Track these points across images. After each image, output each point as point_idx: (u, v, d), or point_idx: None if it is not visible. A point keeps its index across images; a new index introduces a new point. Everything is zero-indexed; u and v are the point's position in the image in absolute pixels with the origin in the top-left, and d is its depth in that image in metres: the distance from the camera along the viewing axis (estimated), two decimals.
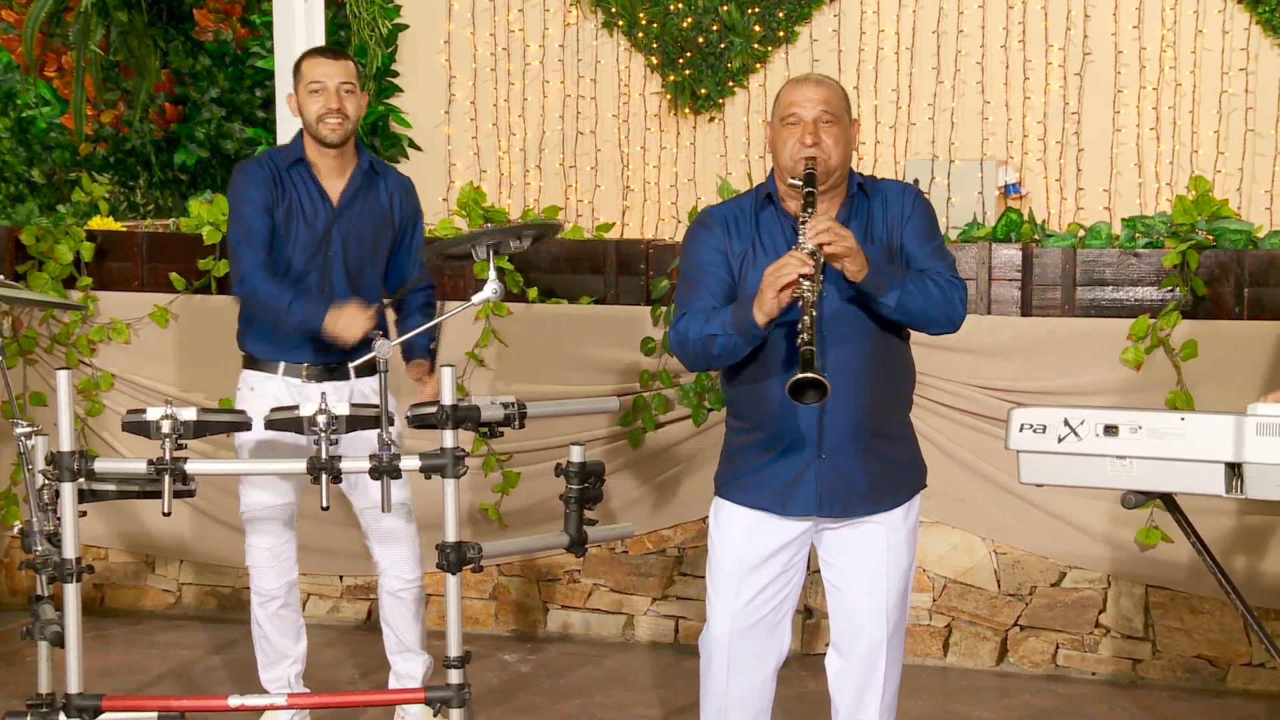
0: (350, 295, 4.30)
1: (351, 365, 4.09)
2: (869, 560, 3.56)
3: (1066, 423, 3.20)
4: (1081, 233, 5.21)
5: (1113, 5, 7.74)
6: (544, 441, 5.29)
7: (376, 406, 3.62)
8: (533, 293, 5.47)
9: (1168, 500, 3.30)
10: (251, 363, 4.42)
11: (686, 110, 8.32)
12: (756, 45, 8.17)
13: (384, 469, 3.49)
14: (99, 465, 3.44)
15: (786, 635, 3.63)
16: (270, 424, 3.64)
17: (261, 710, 4.06)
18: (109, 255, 5.85)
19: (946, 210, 7.72)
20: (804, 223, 3.30)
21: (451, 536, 3.47)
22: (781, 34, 8.16)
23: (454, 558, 3.46)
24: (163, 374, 5.70)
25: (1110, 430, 3.15)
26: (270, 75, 7.27)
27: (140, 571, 5.92)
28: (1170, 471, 3.12)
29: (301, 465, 3.52)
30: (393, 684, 4.61)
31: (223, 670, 5.22)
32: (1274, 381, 4.69)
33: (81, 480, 3.41)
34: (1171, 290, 4.90)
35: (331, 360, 4.31)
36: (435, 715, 3.53)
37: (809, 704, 4.72)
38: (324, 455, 3.50)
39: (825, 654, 3.70)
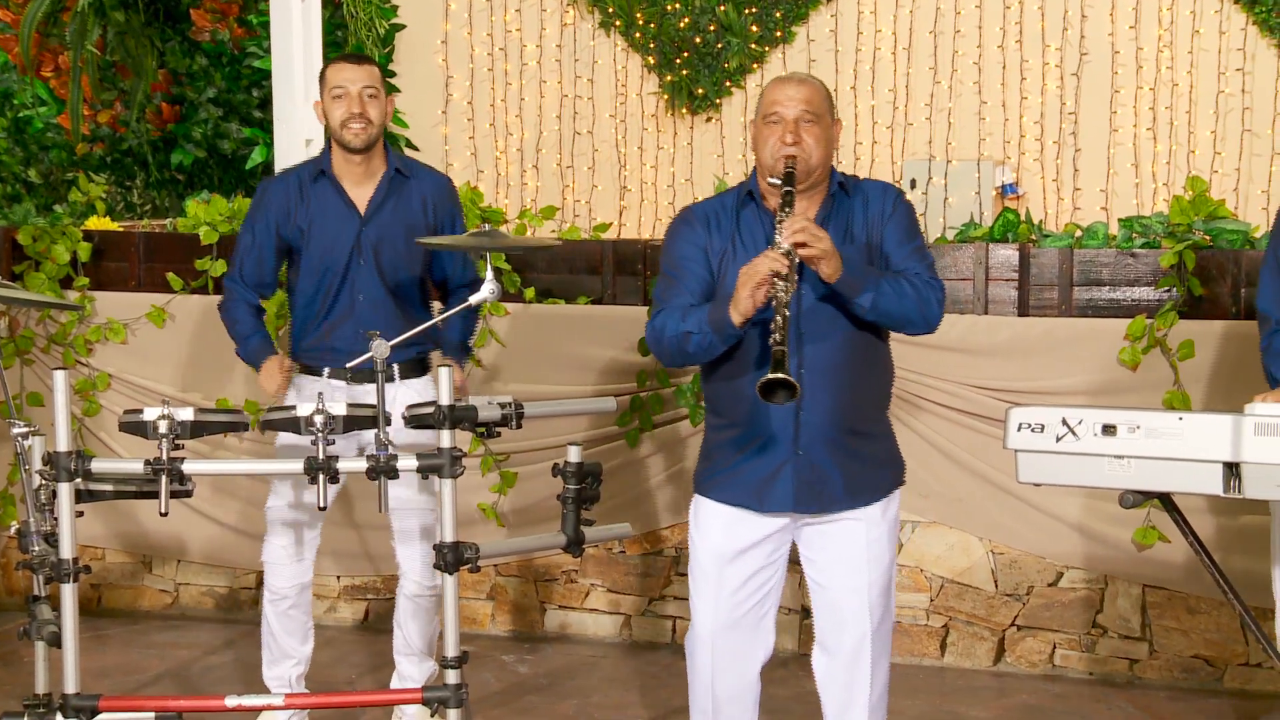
0: (388, 301, 4.36)
1: (396, 365, 4.23)
2: (851, 556, 3.57)
3: (1065, 422, 3.20)
4: (1078, 233, 5.22)
5: (1110, 6, 7.74)
6: (541, 441, 5.29)
7: (374, 406, 3.62)
8: (530, 293, 5.47)
9: (1165, 500, 3.31)
10: (300, 366, 4.48)
11: (684, 110, 8.33)
12: (754, 45, 8.17)
13: (381, 469, 3.49)
14: (96, 465, 3.44)
15: (770, 634, 3.65)
16: (267, 424, 3.65)
17: (259, 710, 4.06)
18: (106, 255, 5.84)
19: (944, 210, 7.73)
20: (781, 221, 3.33)
21: (449, 536, 3.47)
22: (779, 34, 8.17)
23: (451, 558, 3.46)
24: (160, 374, 5.69)
25: (1108, 430, 3.16)
26: (267, 75, 7.26)
27: (137, 572, 5.92)
28: (1168, 471, 3.12)
29: (298, 465, 3.52)
30: (395, 684, 4.62)
31: (220, 670, 5.22)
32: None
33: (78, 480, 3.41)
34: (1168, 290, 4.90)
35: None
36: (433, 715, 3.52)
37: (808, 704, 4.70)
38: (322, 455, 3.49)
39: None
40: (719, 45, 8.18)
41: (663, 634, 5.47)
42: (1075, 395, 4.88)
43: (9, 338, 5.76)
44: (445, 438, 3.48)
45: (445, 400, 3.49)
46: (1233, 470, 3.06)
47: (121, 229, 6.05)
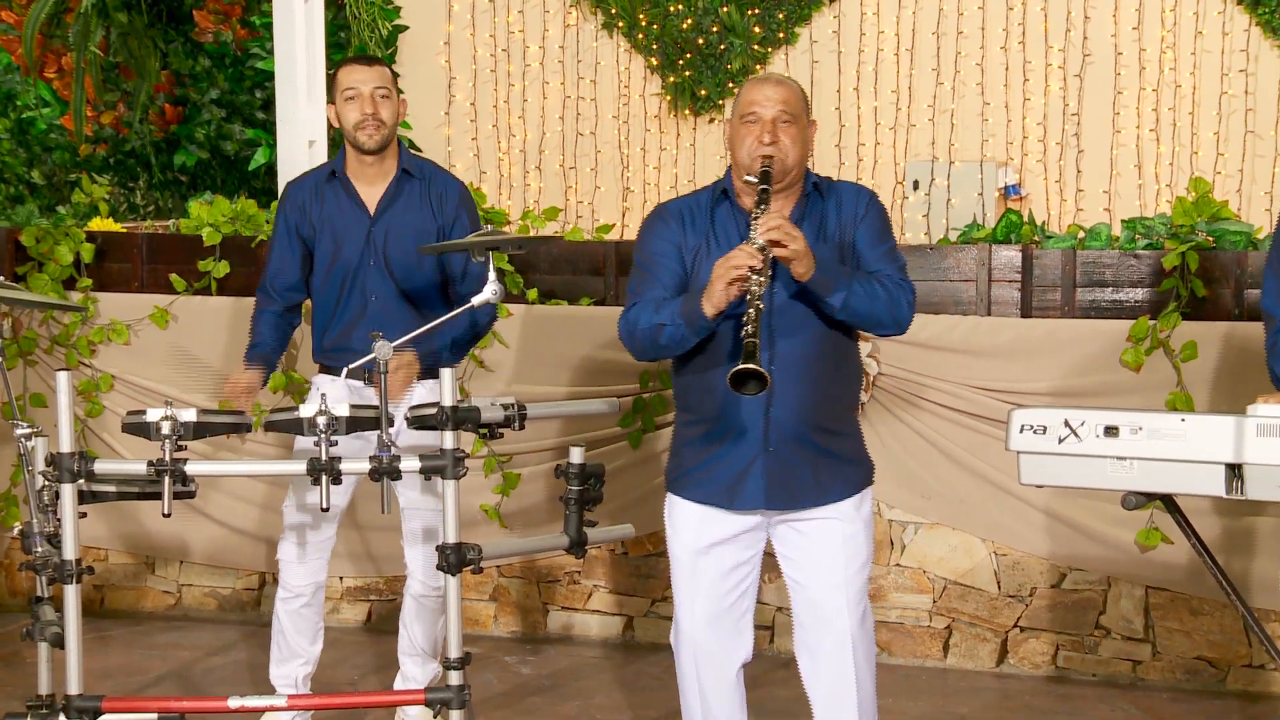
0: (400, 303, 4.37)
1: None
2: (829, 553, 3.59)
3: (1067, 424, 3.20)
4: (1081, 234, 5.22)
5: (1112, 6, 7.74)
6: (544, 443, 5.30)
7: (377, 407, 3.62)
8: (532, 294, 5.47)
9: (1168, 501, 3.30)
10: (320, 366, 4.51)
11: (686, 111, 8.32)
12: (756, 47, 8.17)
13: (383, 470, 3.49)
14: (99, 466, 3.44)
15: (749, 635, 3.70)
16: (269, 425, 3.65)
17: (262, 711, 4.06)
18: (109, 256, 5.85)
19: (946, 212, 7.73)
20: (756, 219, 3.36)
21: (451, 537, 3.47)
22: (781, 35, 8.16)
23: (454, 559, 3.46)
24: (163, 375, 5.69)
25: (1111, 431, 3.15)
26: (270, 76, 7.27)
27: (140, 573, 5.92)
28: (1170, 472, 3.12)
29: (301, 466, 3.52)
30: (399, 685, 4.62)
31: (223, 671, 5.22)
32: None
33: (81, 481, 3.41)
34: (1171, 291, 4.90)
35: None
36: (435, 716, 3.52)
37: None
38: (325, 456, 3.49)
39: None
40: (722, 46, 8.18)
41: (665, 635, 5.43)
42: (1078, 396, 4.87)
43: (12, 339, 5.76)
44: (448, 439, 3.48)
45: (448, 401, 3.49)
46: (1235, 472, 3.05)
47: (124, 230, 6.06)
